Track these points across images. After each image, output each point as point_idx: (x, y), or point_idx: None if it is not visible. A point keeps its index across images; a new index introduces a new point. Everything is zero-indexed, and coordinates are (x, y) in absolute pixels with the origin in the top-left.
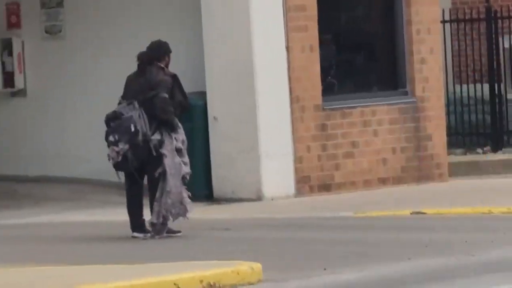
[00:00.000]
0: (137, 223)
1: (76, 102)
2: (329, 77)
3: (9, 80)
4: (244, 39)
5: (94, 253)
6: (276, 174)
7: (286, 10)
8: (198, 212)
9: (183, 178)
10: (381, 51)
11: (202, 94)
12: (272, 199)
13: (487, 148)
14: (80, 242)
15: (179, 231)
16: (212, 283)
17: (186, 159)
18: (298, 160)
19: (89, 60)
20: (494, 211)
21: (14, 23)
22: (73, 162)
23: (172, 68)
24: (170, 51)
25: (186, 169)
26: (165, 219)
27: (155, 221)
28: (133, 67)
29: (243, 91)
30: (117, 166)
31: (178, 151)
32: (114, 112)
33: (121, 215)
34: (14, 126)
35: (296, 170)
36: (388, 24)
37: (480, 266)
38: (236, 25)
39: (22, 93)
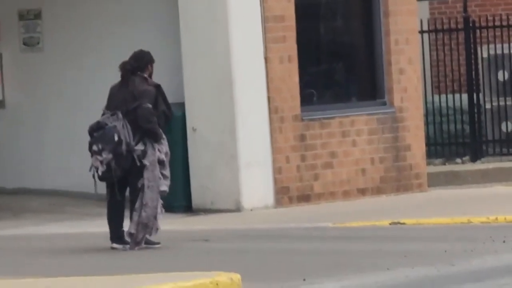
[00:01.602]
0: (116, 234)
1: (55, 113)
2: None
3: None
4: (223, 49)
5: (73, 265)
6: (255, 184)
7: (265, 20)
8: (177, 223)
9: (161, 192)
10: (359, 61)
11: (181, 105)
12: (251, 210)
13: (466, 158)
14: (60, 254)
15: (158, 243)
16: None
17: (167, 172)
18: (277, 170)
19: (67, 72)
20: (473, 221)
21: None
22: (51, 174)
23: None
24: (153, 61)
25: (166, 183)
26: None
27: (133, 231)
28: (112, 78)
29: (222, 101)
30: (101, 176)
31: (161, 163)
32: (98, 122)
33: (100, 226)
34: None
35: (275, 181)
36: (366, 34)
37: (460, 275)
38: (215, 35)
39: (0, 104)
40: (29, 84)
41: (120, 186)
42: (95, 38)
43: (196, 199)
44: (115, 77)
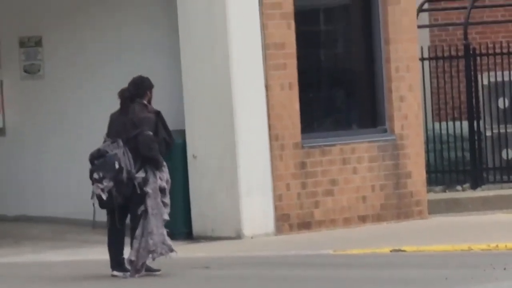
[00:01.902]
0: (117, 262)
1: (55, 140)
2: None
3: None
4: (224, 77)
5: None
6: (256, 212)
7: (265, 47)
8: (178, 250)
9: (164, 221)
10: (360, 88)
11: (181, 132)
12: (252, 237)
13: (467, 185)
14: (60, 281)
15: (158, 270)
16: None
17: (168, 200)
18: (277, 198)
19: (68, 99)
20: (474, 248)
21: None
22: (52, 201)
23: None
24: (152, 87)
25: (166, 211)
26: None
27: (133, 258)
28: (112, 104)
29: (222, 129)
30: (102, 203)
31: (162, 190)
32: (99, 150)
33: (100, 254)
34: None
35: (276, 208)
36: (367, 61)
37: None
38: (216, 63)
39: (1, 132)
40: (29, 111)
41: (121, 214)
42: (96, 64)
43: (197, 226)
44: (115, 103)
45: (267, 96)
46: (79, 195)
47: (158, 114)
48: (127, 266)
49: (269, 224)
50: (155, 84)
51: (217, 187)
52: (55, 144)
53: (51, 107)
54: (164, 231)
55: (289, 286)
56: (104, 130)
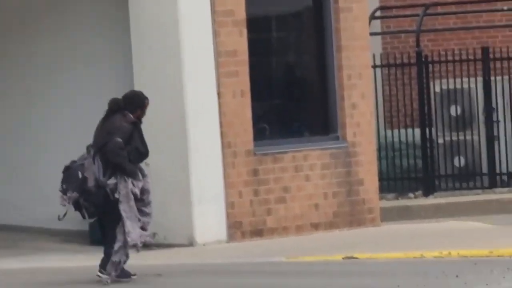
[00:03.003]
0: (104, 264)
1: (6, 149)
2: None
3: None
4: (176, 85)
5: None
6: (208, 219)
7: (217, 55)
8: (130, 257)
9: (142, 228)
10: (312, 96)
11: None
12: (204, 245)
13: (419, 192)
14: None
15: (134, 274)
16: None
17: (149, 209)
18: (230, 205)
19: (19, 109)
20: (426, 256)
21: None
22: (3, 210)
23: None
24: (143, 105)
25: (146, 220)
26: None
27: (115, 259)
28: (61, 114)
29: (174, 136)
30: (80, 213)
31: (136, 197)
32: (70, 162)
33: (53, 261)
34: None
35: (228, 216)
36: (319, 69)
37: None
38: (168, 71)
39: None
40: None
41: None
42: (46, 74)
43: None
44: (66, 115)
45: (219, 103)
46: (31, 203)
47: (135, 124)
48: (110, 267)
49: (222, 231)
50: (107, 93)
51: (170, 195)
52: (7, 153)
53: (1, 117)
54: (138, 226)
55: None
56: (52, 137)
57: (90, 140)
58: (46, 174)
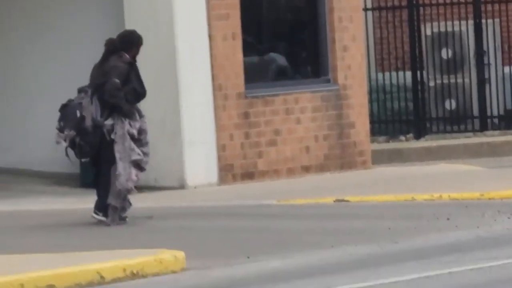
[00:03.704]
0: (98, 205)
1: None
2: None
3: None
4: (166, 27)
5: (19, 243)
6: (199, 162)
7: None
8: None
9: (138, 165)
10: (303, 39)
11: None
12: (195, 188)
13: (410, 135)
14: (6, 231)
15: (126, 217)
16: (135, 272)
17: (146, 149)
18: (221, 148)
19: (6, 52)
20: (417, 198)
21: None
22: None
23: (90, 58)
24: (139, 43)
25: (144, 158)
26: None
27: (111, 202)
28: (53, 59)
29: (166, 79)
30: (73, 152)
31: (133, 137)
32: (67, 100)
33: (45, 203)
34: None
35: (219, 158)
36: (310, 11)
37: (404, 253)
38: (158, 13)
39: None
40: None
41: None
42: (36, 18)
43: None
44: (56, 58)
45: (210, 46)
46: (21, 145)
47: (131, 64)
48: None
49: (212, 174)
50: (98, 35)
51: (161, 138)
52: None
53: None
54: (132, 171)
55: (233, 236)
56: (46, 82)
57: (83, 83)
58: (37, 116)
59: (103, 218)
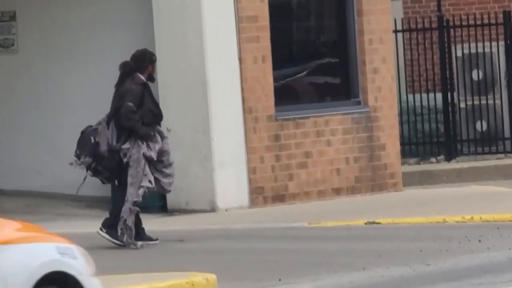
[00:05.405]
0: (107, 222)
1: (29, 115)
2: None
3: None
4: (197, 50)
5: None
6: (230, 185)
7: (238, 21)
8: (152, 223)
9: (141, 188)
10: (333, 61)
11: None
12: (226, 210)
13: (441, 157)
14: None
15: (156, 239)
16: None
17: (170, 170)
18: (251, 170)
19: (41, 73)
20: (448, 220)
21: None
22: (26, 176)
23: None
24: (153, 61)
25: (168, 181)
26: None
27: (124, 216)
28: (86, 80)
29: (196, 102)
30: (99, 178)
31: (150, 160)
32: (86, 126)
33: (78, 227)
34: None
35: (250, 181)
36: (340, 34)
37: (435, 275)
38: (189, 36)
39: None
40: (3, 85)
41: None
42: (70, 40)
43: (171, 199)
44: (89, 79)
45: (240, 69)
46: (53, 169)
47: (144, 85)
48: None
49: (243, 197)
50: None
51: (191, 160)
52: (28, 118)
53: (25, 81)
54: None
55: (264, 258)
56: (78, 103)
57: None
58: (69, 139)
59: (106, 235)
